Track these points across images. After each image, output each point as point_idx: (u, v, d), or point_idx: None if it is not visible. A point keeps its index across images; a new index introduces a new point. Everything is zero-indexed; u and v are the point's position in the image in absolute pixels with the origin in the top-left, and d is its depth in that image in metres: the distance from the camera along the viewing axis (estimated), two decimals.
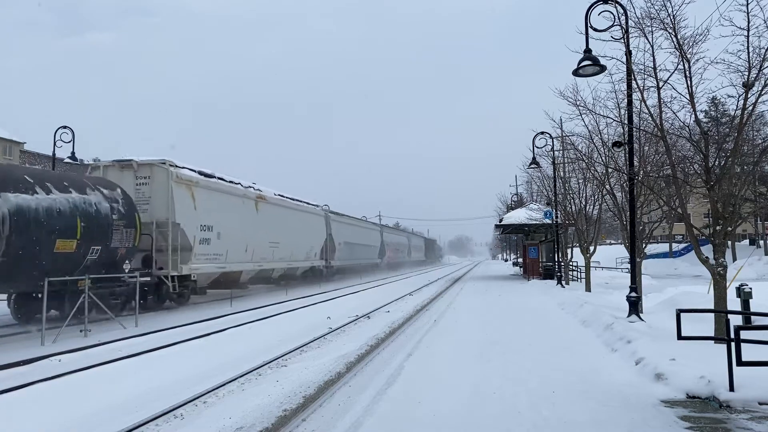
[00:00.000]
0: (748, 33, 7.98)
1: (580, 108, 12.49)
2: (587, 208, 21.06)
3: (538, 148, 21.60)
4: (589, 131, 15.40)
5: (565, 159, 20.84)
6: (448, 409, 5.91)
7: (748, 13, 7.93)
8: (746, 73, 8.15)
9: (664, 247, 54.14)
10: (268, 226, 23.64)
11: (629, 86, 10.50)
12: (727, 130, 10.15)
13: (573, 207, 21.73)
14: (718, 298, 8.96)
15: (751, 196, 23.41)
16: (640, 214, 14.33)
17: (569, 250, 27.68)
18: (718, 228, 9.02)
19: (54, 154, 22.30)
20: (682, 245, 54.91)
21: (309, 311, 16.23)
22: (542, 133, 21.16)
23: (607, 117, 13.16)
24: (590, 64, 10.31)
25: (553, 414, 5.64)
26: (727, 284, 9.31)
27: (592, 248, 20.72)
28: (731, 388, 5.87)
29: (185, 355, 9.53)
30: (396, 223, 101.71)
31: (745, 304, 9.33)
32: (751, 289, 9.50)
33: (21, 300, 13.62)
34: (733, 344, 5.79)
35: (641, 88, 9.99)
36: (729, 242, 31.24)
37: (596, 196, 19.54)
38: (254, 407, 5.91)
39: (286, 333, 11.62)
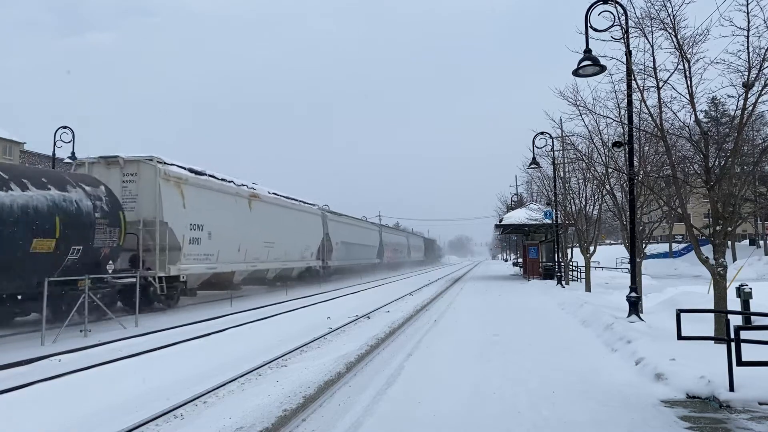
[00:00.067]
0: (748, 33, 7.99)
1: (580, 108, 12.52)
2: (587, 208, 21.08)
3: (538, 148, 21.65)
4: (589, 131, 15.45)
5: (565, 159, 20.85)
6: (448, 409, 5.91)
7: (748, 14, 7.94)
8: (746, 73, 8.16)
9: (664, 247, 54.09)
10: (262, 226, 22.78)
11: (629, 86, 10.50)
12: (727, 130, 10.15)
13: (573, 207, 21.75)
14: (718, 298, 8.96)
15: (751, 196, 23.39)
16: (640, 214, 14.32)
17: (569, 250, 27.67)
18: (718, 228, 9.02)
19: (54, 154, 22.34)
20: (682, 245, 54.89)
21: (309, 311, 16.23)
22: (542, 133, 21.19)
23: (607, 117, 13.20)
24: (590, 65, 10.32)
25: (553, 414, 5.64)
26: (727, 284, 9.31)
27: (592, 248, 20.73)
28: (731, 388, 5.87)
29: (185, 355, 9.54)
30: (396, 223, 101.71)
31: (745, 304, 9.34)
32: (751, 289, 9.51)
33: None
34: (733, 344, 5.80)
35: (641, 88, 10.00)
36: (729, 242, 31.25)
37: (596, 196, 19.56)
38: (254, 407, 5.91)
39: (286, 333, 11.62)
